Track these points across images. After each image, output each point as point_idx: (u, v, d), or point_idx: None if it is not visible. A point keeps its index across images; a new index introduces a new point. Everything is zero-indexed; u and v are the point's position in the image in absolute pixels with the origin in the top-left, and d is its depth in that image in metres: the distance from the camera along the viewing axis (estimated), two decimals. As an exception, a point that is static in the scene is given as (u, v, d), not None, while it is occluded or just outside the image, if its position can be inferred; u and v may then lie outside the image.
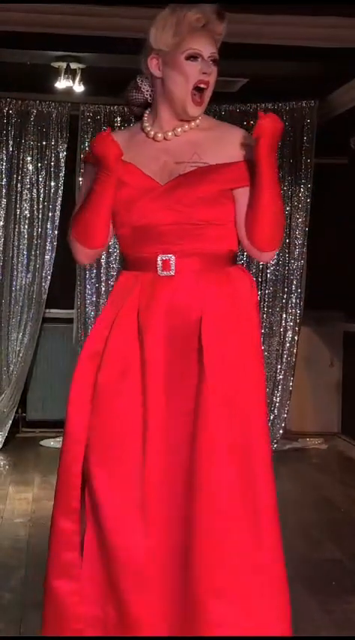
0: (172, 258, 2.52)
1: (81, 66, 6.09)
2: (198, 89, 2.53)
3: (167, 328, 2.50)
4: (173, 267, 2.52)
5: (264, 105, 6.77)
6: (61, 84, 6.17)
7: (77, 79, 6.18)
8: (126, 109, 6.73)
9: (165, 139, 2.57)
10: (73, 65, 6.07)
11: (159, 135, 2.58)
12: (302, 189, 6.83)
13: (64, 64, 6.06)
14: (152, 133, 2.59)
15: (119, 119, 6.85)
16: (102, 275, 6.91)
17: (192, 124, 2.58)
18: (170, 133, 2.57)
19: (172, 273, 2.52)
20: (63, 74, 6.12)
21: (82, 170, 6.81)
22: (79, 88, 6.23)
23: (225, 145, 2.55)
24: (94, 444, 2.52)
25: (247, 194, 2.54)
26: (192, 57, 2.51)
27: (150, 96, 2.62)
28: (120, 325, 2.54)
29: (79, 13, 5.01)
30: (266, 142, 2.46)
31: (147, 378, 2.48)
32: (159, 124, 2.59)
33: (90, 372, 2.56)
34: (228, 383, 2.49)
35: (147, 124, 2.61)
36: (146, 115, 2.63)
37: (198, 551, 2.43)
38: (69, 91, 6.28)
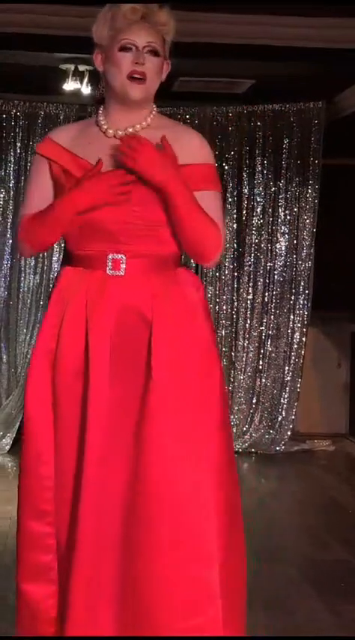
0: (123, 258, 2.48)
1: (89, 68, 6.09)
2: (133, 79, 2.48)
3: (115, 328, 2.46)
4: (123, 267, 2.48)
5: (271, 106, 6.77)
6: (69, 86, 6.18)
7: (85, 80, 6.18)
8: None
9: (114, 136, 2.52)
10: (81, 67, 6.08)
11: (110, 131, 2.53)
12: (309, 191, 6.83)
13: (71, 66, 6.07)
14: (104, 127, 2.53)
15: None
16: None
17: (143, 123, 2.53)
18: (121, 132, 2.52)
19: (122, 273, 2.48)
20: (71, 76, 6.13)
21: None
22: (86, 90, 6.24)
23: (180, 147, 2.49)
24: (57, 450, 2.50)
25: (203, 199, 2.49)
26: (125, 48, 2.47)
27: (103, 92, 2.58)
28: (69, 324, 2.49)
29: (87, 15, 5.01)
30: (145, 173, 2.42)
31: (91, 377, 2.44)
32: (110, 119, 2.54)
33: (44, 369, 2.52)
34: (175, 385, 2.45)
35: (101, 119, 2.55)
36: (100, 110, 2.58)
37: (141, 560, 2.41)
38: (77, 93, 6.29)
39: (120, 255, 2.48)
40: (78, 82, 6.17)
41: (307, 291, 6.89)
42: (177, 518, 2.43)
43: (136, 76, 2.47)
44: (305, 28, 5.17)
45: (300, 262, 6.86)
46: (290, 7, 4.98)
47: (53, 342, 2.51)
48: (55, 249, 6.80)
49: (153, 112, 2.57)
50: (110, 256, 2.48)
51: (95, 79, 6.16)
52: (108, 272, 2.48)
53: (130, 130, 2.51)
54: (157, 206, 2.47)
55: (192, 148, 2.52)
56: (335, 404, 7.33)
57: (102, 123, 2.54)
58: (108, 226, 2.47)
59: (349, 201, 7.20)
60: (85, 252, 2.52)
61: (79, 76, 6.14)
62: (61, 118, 6.76)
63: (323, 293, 7.01)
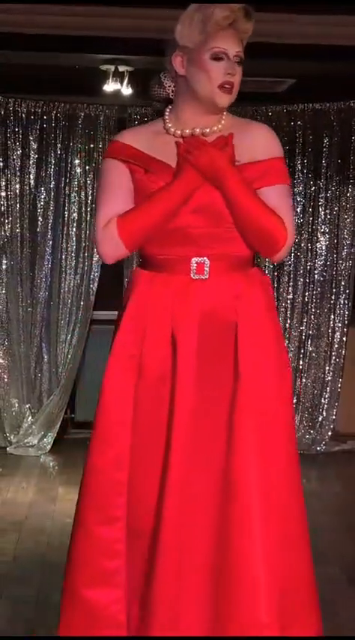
0: (206, 261, 2.51)
1: (129, 69, 6.12)
2: (223, 88, 2.49)
3: (201, 333, 2.49)
4: (207, 271, 2.51)
5: (310, 105, 6.75)
6: (109, 87, 6.21)
7: (125, 81, 6.20)
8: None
9: (182, 135, 2.52)
10: (121, 68, 6.10)
11: (178, 131, 2.53)
12: (350, 190, 6.79)
13: (111, 67, 6.10)
14: (178, 133, 2.53)
15: (166, 121, 6.86)
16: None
17: (219, 125, 2.53)
18: (197, 130, 2.51)
19: (206, 276, 2.51)
20: (111, 77, 6.16)
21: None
22: (126, 90, 6.26)
23: (250, 143, 2.52)
24: (134, 454, 2.51)
25: (270, 193, 2.51)
26: (217, 56, 2.47)
27: (173, 92, 2.57)
28: (154, 329, 2.51)
29: (127, 16, 5.04)
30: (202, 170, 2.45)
31: (178, 381, 2.46)
32: (183, 124, 2.54)
33: (125, 374, 2.53)
34: (260, 384, 2.49)
35: (169, 124, 2.55)
36: (167, 112, 2.58)
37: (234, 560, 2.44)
38: (117, 94, 6.31)
39: (203, 259, 2.50)
40: (118, 82, 6.19)
41: (347, 291, 6.85)
42: (273, 521, 2.46)
43: (227, 86, 2.48)
44: (344, 26, 5.15)
45: (340, 262, 6.83)
46: (329, 6, 4.96)
47: (135, 347, 2.52)
48: (95, 250, 6.83)
49: (224, 113, 2.57)
50: (194, 260, 2.50)
51: (135, 79, 6.19)
52: (192, 276, 2.51)
53: (207, 130, 2.52)
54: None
55: (261, 143, 2.53)
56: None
57: (170, 127, 2.54)
58: (189, 231, 2.50)
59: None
60: (167, 257, 2.53)
61: (118, 76, 6.16)
62: (101, 119, 6.79)
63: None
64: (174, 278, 2.51)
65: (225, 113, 2.57)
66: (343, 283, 6.84)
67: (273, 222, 2.49)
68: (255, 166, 2.51)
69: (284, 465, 2.51)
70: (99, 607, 2.51)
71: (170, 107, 2.58)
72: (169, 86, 2.57)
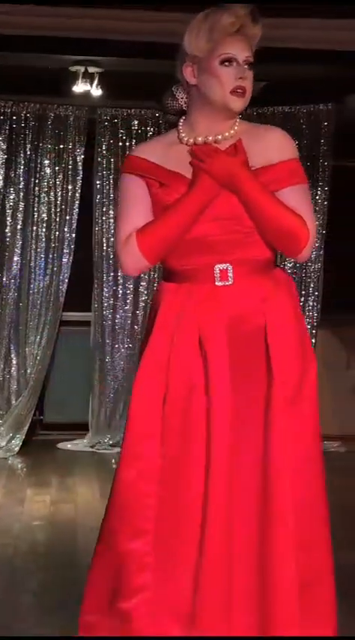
0: (229, 267, 2.52)
1: (98, 70, 6.11)
2: (236, 92, 2.50)
3: (230, 339, 2.49)
4: (231, 277, 2.52)
5: (281, 108, 6.77)
6: (79, 88, 6.20)
7: (95, 82, 6.19)
8: (145, 112, 6.78)
9: (195, 143, 2.55)
10: (91, 69, 6.09)
11: (199, 138, 2.55)
12: (319, 192, 6.82)
13: (81, 68, 6.08)
14: (190, 141, 2.55)
15: (136, 122, 6.86)
16: (119, 278, 6.92)
17: (231, 131, 2.55)
18: (210, 138, 2.54)
19: (231, 282, 2.52)
20: (80, 78, 6.14)
21: (99, 173, 6.82)
22: (96, 91, 6.25)
23: (264, 147, 2.54)
24: (165, 466, 2.50)
25: (288, 194, 2.54)
26: (227, 61, 2.49)
27: (186, 104, 2.59)
28: (182, 339, 2.51)
29: (97, 17, 5.02)
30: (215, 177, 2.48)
31: (211, 390, 2.46)
32: (194, 131, 2.56)
33: (153, 388, 2.52)
34: (292, 384, 2.51)
35: (183, 134, 2.58)
36: (181, 123, 2.60)
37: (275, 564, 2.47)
38: (86, 95, 6.30)
39: (226, 265, 2.51)
40: (88, 83, 6.18)
41: (317, 293, 6.88)
42: (308, 523, 2.50)
43: (239, 91, 2.50)
44: (316, 30, 5.17)
45: (310, 264, 6.86)
46: (302, 9, 4.98)
47: (163, 359, 2.51)
48: (64, 251, 6.81)
49: (237, 120, 2.60)
50: (217, 267, 2.51)
51: (105, 80, 6.18)
52: (216, 283, 2.51)
53: (219, 137, 2.54)
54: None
55: (275, 146, 2.55)
56: (345, 405, 7.32)
57: (184, 136, 2.56)
58: (209, 239, 2.51)
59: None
60: (189, 267, 2.54)
61: (88, 77, 6.15)
62: (71, 119, 6.77)
63: (332, 295, 7.00)
64: (198, 287, 2.52)
65: (238, 120, 2.59)
66: (312, 285, 6.87)
67: (294, 222, 2.51)
68: (271, 169, 2.53)
69: (315, 463, 2.57)
70: (128, 619, 2.48)
71: (184, 118, 2.60)
72: (182, 98, 2.59)
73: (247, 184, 2.48)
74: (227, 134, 2.55)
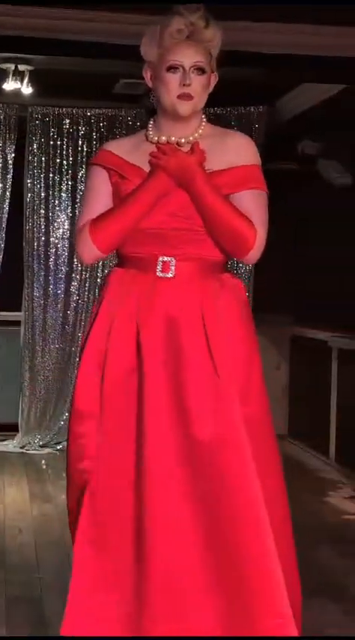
0: (173, 260, 2.60)
1: (29, 68, 6.06)
2: (182, 98, 2.58)
3: (166, 327, 2.56)
4: (173, 270, 2.60)
5: (212, 110, 6.80)
6: (9, 85, 6.14)
7: (25, 80, 6.15)
8: (77, 111, 6.75)
9: (158, 141, 2.63)
10: (21, 67, 6.04)
11: (155, 138, 2.64)
12: (250, 194, 6.86)
13: (12, 66, 6.03)
14: (151, 137, 2.65)
15: (68, 121, 6.83)
16: (50, 278, 6.88)
17: (196, 134, 2.64)
18: (173, 138, 2.63)
19: (171, 275, 2.60)
20: (11, 76, 6.09)
21: (30, 172, 6.77)
22: (27, 89, 6.20)
23: (225, 150, 2.62)
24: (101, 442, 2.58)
25: (244, 197, 2.62)
26: (173, 68, 2.57)
27: (155, 104, 2.69)
28: (120, 324, 2.60)
29: (28, 15, 4.98)
30: (172, 175, 2.57)
31: (145, 372, 2.54)
32: (160, 131, 2.66)
33: (94, 370, 2.60)
34: (233, 377, 2.57)
35: (150, 132, 2.68)
36: (151, 122, 2.70)
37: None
38: (17, 93, 6.25)
39: (169, 258, 2.60)
40: (18, 81, 6.13)
41: (247, 294, 6.91)
42: (271, 509, 2.53)
43: (185, 97, 2.57)
44: (247, 32, 5.19)
45: (240, 265, 6.90)
46: (232, 12, 5.00)
47: (102, 342, 2.60)
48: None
49: (204, 123, 2.67)
50: (160, 259, 2.60)
51: (36, 78, 6.13)
52: (158, 274, 2.60)
53: (182, 140, 2.62)
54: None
55: (236, 150, 2.64)
56: (274, 406, 7.27)
57: (151, 134, 2.66)
58: (160, 232, 2.60)
59: (290, 204, 7.26)
60: (136, 255, 2.63)
61: (19, 75, 6.10)
62: (1, 117, 6.72)
63: (262, 296, 7.05)
64: (142, 275, 2.62)
65: (204, 123, 2.67)
66: (242, 286, 6.90)
67: (241, 223, 2.60)
68: (229, 172, 2.61)
69: (270, 452, 2.69)
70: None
71: (153, 118, 2.70)
72: (153, 98, 2.68)
73: (199, 184, 2.56)
74: (191, 137, 2.63)
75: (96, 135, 6.87)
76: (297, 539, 4.25)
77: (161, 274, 2.60)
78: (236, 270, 6.89)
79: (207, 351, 2.55)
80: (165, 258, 2.60)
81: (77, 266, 6.86)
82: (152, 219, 2.59)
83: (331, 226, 6.93)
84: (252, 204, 2.64)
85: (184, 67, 2.57)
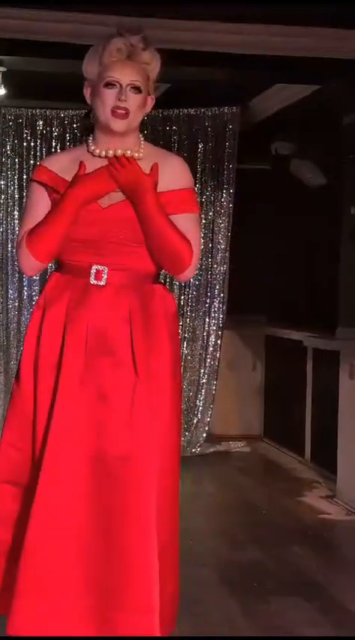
0: (105, 269, 2.74)
1: (2, 69, 6.04)
2: (115, 113, 2.68)
3: (92, 330, 2.71)
4: (105, 278, 2.74)
5: (186, 110, 6.81)
6: (-17, 86, 6.12)
7: (-2, 81, 6.12)
8: (50, 112, 6.74)
9: (102, 155, 2.74)
10: (-6, 68, 6.02)
11: (97, 151, 2.75)
12: (224, 195, 6.89)
13: (-15, 67, 6.01)
14: (97, 151, 2.75)
15: (41, 122, 6.81)
16: (24, 280, 6.86)
17: (138, 153, 2.74)
18: (110, 152, 2.72)
19: (103, 283, 2.74)
20: (-16, 77, 6.06)
21: (4, 174, 6.75)
22: (0, 91, 6.18)
23: (164, 173, 2.73)
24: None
25: (180, 220, 2.75)
26: (110, 84, 2.68)
27: (93, 121, 2.78)
28: (50, 323, 2.75)
29: (1, 16, 4.97)
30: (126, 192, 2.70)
31: (62, 370, 2.69)
32: (100, 147, 2.75)
33: (31, 360, 2.78)
34: (151, 382, 2.72)
35: (93, 147, 2.77)
36: (90, 138, 2.79)
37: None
38: (-10, 94, 6.22)
39: (103, 267, 2.74)
40: (-8, 82, 6.10)
41: (222, 295, 6.94)
42: (161, 505, 2.67)
43: (118, 111, 2.68)
44: (220, 33, 5.21)
45: (216, 266, 6.91)
46: (205, 13, 5.02)
47: (35, 339, 2.78)
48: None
49: (142, 143, 2.79)
50: (94, 267, 2.74)
51: (9, 80, 6.11)
52: (91, 281, 2.74)
53: (128, 152, 2.72)
54: (137, 230, 2.72)
55: (175, 175, 2.77)
56: (250, 406, 7.41)
57: (94, 149, 2.77)
58: (94, 243, 2.74)
59: (263, 205, 7.29)
60: (72, 263, 2.78)
61: (-8, 76, 6.08)
62: (-25, 118, 6.69)
63: (238, 296, 7.07)
64: (76, 281, 2.76)
65: (142, 142, 2.80)
66: (218, 287, 6.93)
67: (182, 244, 2.75)
68: (169, 195, 2.74)
69: (171, 451, 2.76)
70: None
71: (92, 134, 2.80)
72: (92, 116, 2.78)
73: (149, 203, 2.69)
74: (136, 154, 2.74)
75: (69, 136, 6.85)
76: (273, 538, 4.28)
77: (94, 281, 2.74)
78: (210, 271, 6.91)
79: (130, 360, 2.70)
80: (99, 267, 2.74)
81: (51, 267, 6.84)
82: (89, 229, 2.73)
83: (305, 227, 6.96)
84: (187, 226, 2.77)
85: (121, 84, 2.68)
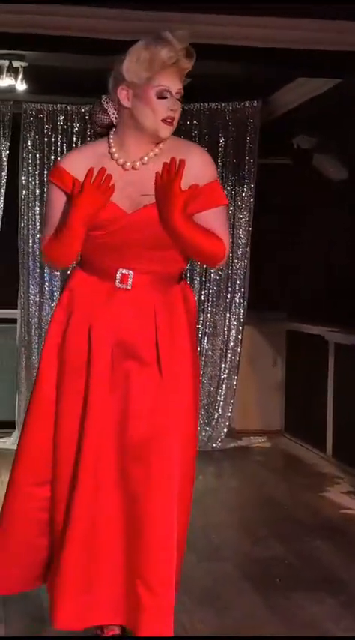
0: (131, 273, 2.79)
1: (23, 64, 6.05)
2: (166, 122, 2.74)
3: (117, 334, 2.78)
4: (130, 282, 2.79)
5: (207, 105, 6.80)
6: (4, 82, 6.13)
7: (19, 77, 6.13)
8: (71, 107, 6.75)
9: (133, 167, 2.77)
10: (16, 63, 6.02)
11: (128, 164, 2.78)
12: (245, 189, 6.87)
13: (6, 62, 6.02)
14: (121, 161, 2.79)
15: (62, 118, 6.82)
16: (46, 274, 6.87)
17: (157, 149, 2.78)
18: (138, 163, 2.77)
19: (129, 286, 2.79)
20: (5, 72, 6.08)
21: (25, 169, 6.77)
22: (21, 86, 6.18)
23: (188, 167, 2.75)
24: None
25: (209, 215, 2.79)
26: (162, 95, 2.73)
27: (116, 119, 2.80)
28: (75, 325, 2.82)
29: (22, 12, 4.98)
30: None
31: (92, 371, 2.77)
32: (126, 152, 2.79)
33: (54, 360, 2.85)
34: (177, 380, 2.81)
35: (114, 149, 2.79)
36: (112, 136, 2.82)
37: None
38: (11, 89, 6.23)
39: (128, 271, 2.79)
40: (12, 78, 6.11)
41: (243, 290, 6.93)
42: (182, 486, 2.80)
43: (169, 120, 2.76)
44: (241, 27, 5.19)
45: (236, 261, 6.90)
46: (226, 6, 5.01)
47: (59, 337, 2.84)
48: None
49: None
50: (119, 271, 2.79)
51: (30, 75, 6.12)
52: (116, 284, 2.80)
53: (145, 158, 2.77)
54: (164, 235, 2.76)
55: (199, 169, 2.79)
56: (270, 401, 7.39)
57: (117, 156, 2.79)
58: (120, 249, 2.78)
59: (284, 200, 7.26)
60: (97, 265, 2.83)
61: (13, 72, 6.08)
62: (-4, 113, 6.70)
63: (258, 291, 7.06)
64: (101, 283, 2.81)
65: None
66: (238, 282, 6.92)
67: (214, 245, 2.80)
68: (196, 191, 2.75)
69: (188, 447, 2.84)
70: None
71: (113, 131, 2.82)
72: (113, 113, 2.80)
73: (177, 219, 2.71)
74: (151, 154, 2.78)
75: (90, 131, 6.85)
76: (295, 534, 4.27)
77: (119, 285, 2.79)
78: (231, 266, 6.89)
79: (155, 362, 2.76)
80: (124, 271, 2.79)
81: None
82: (114, 234, 2.76)
83: (326, 221, 6.93)
84: (217, 220, 2.82)
85: (171, 92, 2.74)
